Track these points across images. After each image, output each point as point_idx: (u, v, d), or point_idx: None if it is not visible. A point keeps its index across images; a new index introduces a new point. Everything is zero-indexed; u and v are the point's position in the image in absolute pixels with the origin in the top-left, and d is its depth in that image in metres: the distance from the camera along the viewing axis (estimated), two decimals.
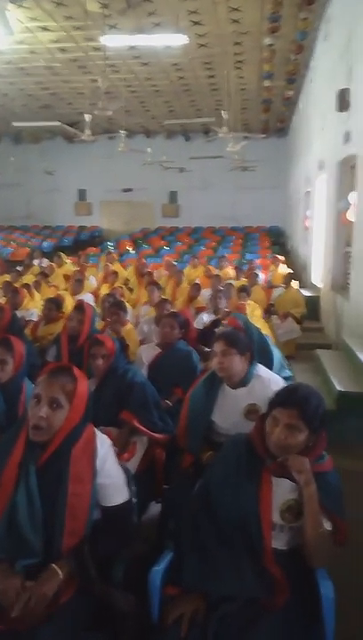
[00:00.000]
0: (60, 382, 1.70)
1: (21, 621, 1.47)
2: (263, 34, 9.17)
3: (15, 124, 12.57)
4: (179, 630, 1.52)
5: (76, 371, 1.78)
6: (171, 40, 8.59)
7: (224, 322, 4.24)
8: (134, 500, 1.84)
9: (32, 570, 1.56)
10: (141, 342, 4.54)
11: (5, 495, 1.63)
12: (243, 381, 2.45)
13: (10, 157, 16.51)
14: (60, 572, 1.54)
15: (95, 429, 1.81)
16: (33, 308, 5.77)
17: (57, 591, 1.54)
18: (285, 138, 17.24)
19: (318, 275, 9.05)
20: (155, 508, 2.64)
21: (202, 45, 9.83)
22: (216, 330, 4.42)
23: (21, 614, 1.46)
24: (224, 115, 10.88)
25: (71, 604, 1.55)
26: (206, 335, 4.74)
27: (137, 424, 2.73)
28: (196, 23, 8.76)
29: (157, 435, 2.77)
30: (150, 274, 7.92)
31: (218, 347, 2.42)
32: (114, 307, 4.63)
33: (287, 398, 1.71)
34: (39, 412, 1.65)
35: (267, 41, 9.45)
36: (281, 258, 10.00)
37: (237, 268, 9.00)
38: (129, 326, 4.65)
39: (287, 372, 3.29)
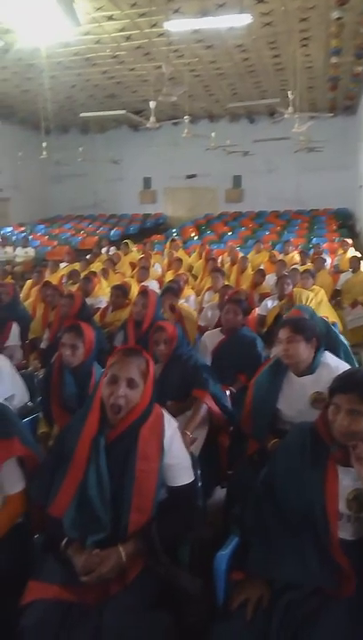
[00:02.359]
0: (135, 363, 1.76)
1: (90, 590, 1.55)
2: (331, 7, 8.76)
3: (82, 114, 12.83)
4: (244, 615, 1.53)
5: (145, 352, 1.85)
6: (235, 21, 8.41)
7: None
8: (199, 483, 1.87)
9: (101, 546, 1.63)
10: (206, 329, 4.56)
11: (79, 472, 1.70)
12: (309, 369, 2.40)
13: (78, 148, 16.88)
14: (123, 554, 1.60)
15: (163, 411, 1.85)
16: (101, 295, 5.92)
17: (124, 569, 1.60)
18: (354, 116, 16.48)
19: None
20: (220, 493, 2.66)
21: (266, 24, 9.55)
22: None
23: (90, 580, 1.55)
24: (290, 95, 10.57)
25: (138, 583, 1.61)
26: None
27: (209, 401, 2.76)
28: (260, 1, 8.52)
29: (221, 415, 2.79)
30: (214, 260, 7.90)
31: (284, 333, 2.39)
32: (164, 293, 4.74)
33: (346, 383, 1.66)
34: (118, 392, 1.71)
35: (335, 14, 9.02)
36: (350, 241, 9.64)
37: (303, 253, 8.78)
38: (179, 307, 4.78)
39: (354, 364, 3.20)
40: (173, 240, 10.53)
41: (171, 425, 1.84)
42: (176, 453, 1.81)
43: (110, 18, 9.28)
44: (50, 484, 1.75)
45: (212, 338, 3.79)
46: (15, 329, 4.08)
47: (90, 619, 1.50)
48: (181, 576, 1.64)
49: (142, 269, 7.02)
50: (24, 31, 9.28)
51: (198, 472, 1.89)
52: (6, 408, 1.99)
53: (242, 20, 7.87)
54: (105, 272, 7.44)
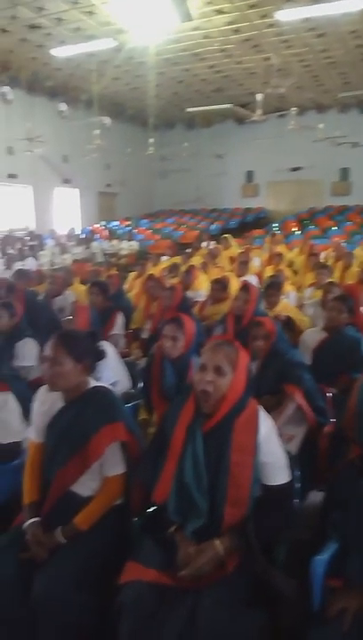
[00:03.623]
0: (223, 351, 1.77)
1: (187, 581, 1.58)
2: None
3: (188, 109, 12.96)
4: (341, 624, 1.47)
5: (237, 343, 1.84)
6: (350, 5, 8.03)
7: None
8: (297, 485, 1.83)
9: (199, 536, 1.66)
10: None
11: (175, 459, 1.75)
12: None
13: (183, 143, 17.13)
14: (220, 550, 1.62)
15: (260, 407, 1.83)
16: (200, 288, 5.98)
17: (223, 561, 1.61)
18: None
19: None
20: (316, 495, 2.58)
21: None
22: None
23: (187, 574, 1.58)
24: None
25: (235, 577, 1.61)
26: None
27: (299, 398, 2.69)
28: None
29: (311, 414, 2.71)
30: (317, 255, 7.65)
31: None
32: (270, 287, 4.62)
33: None
34: (206, 377, 1.74)
35: None
36: None
37: None
38: (283, 303, 4.61)
39: None
40: (273, 234, 10.33)
41: (267, 422, 1.82)
42: (272, 451, 1.78)
43: (220, 11, 9.28)
44: (154, 469, 1.81)
45: (313, 336, 3.68)
46: (120, 318, 4.24)
47: (185, 603, 1.53)
48: (276, 576, 1.62)
49: (242, 264, 6.97)
50: (136, 30, 9.59)
51: (297, 473, 1.84)
52: (113, 393, 2.07)
53: (358, 3, 7.50)
54: (205, 266, 7.49)
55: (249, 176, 19.42)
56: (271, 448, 1.78)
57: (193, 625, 1.47)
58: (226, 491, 1.68)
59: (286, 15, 8.61)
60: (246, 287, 3.84)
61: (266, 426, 1.80)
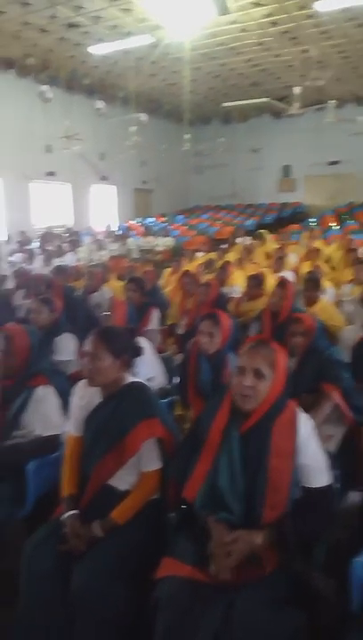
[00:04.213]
0: (262, 353, 1.73)
1: (221, 570, 1.57)
2: None
3: (224, 104, 12.90)
4: None
5: (275, 344, 1.80)
6: None
7: None
8: (337, 485, 1.79)
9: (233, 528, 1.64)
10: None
11: (210, 457, 1.73)
12: None
13: (219, 138, 17.05)
14: (257, 540, 1.59)
15: (298, 409, 1.80)
16: (236, 284, 5.94)
17: (261, 559, 1.59)
18: None
19: None
20: (356, 496, 2.53)
21: None
22: None
23: (218, 556, 1.56)
24: None
25: (274, 577, 1.59)
26: None
27: (337, 397, 2.65)
28: None
29: (349, 414, 2.65)
30: (355, 251, 7.48)
31: None
32: (307, 284, 4.52)
33: None
34: (245, 382, 1.70)
35: None
36: None
37: None
38: (323, 302, 4.50)
39: None
40: (311, 229, 10.17)
41: (306, 424, 1.77)
42: (312, 454, 1.74)
43: (258, 4, 9.17)
44: (186, 466, 1.80)
45: (352, 333, 3.62)
46: (156, 314, 4.26)
47: (221, 601, 1.51)
48: (315, 576, 1.59)
49: (278, 259, 6.89)
50: (173, 26, 9.58)
51: (337, 473, 1.81)
52: (149, 389, 2.08)
53: None
54: (240, 262, 7.44)
55: (286, 170, 19.16)
56: (311, 450, 1.74)
57: (229, 623, 1.46)
58: (264, 495, 1.65)
59: (324, 5, 8.44)
60: (282, 283, 3.80)
61: (306, 428, 1.76)
